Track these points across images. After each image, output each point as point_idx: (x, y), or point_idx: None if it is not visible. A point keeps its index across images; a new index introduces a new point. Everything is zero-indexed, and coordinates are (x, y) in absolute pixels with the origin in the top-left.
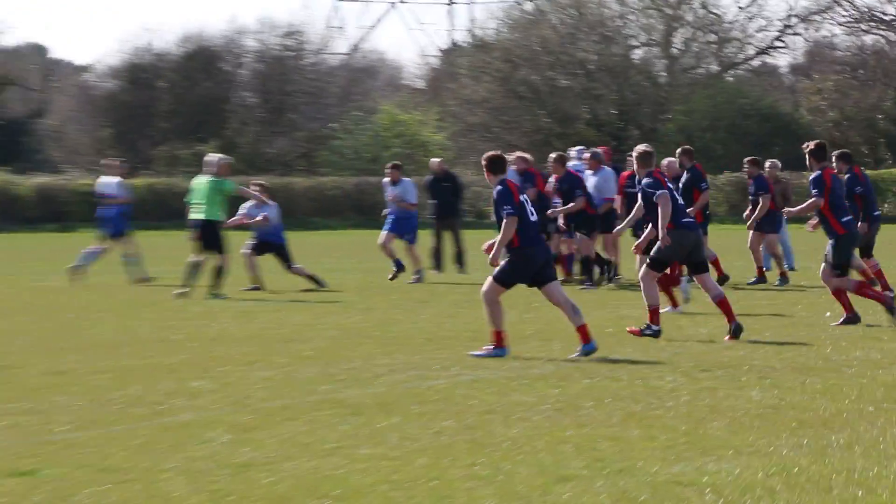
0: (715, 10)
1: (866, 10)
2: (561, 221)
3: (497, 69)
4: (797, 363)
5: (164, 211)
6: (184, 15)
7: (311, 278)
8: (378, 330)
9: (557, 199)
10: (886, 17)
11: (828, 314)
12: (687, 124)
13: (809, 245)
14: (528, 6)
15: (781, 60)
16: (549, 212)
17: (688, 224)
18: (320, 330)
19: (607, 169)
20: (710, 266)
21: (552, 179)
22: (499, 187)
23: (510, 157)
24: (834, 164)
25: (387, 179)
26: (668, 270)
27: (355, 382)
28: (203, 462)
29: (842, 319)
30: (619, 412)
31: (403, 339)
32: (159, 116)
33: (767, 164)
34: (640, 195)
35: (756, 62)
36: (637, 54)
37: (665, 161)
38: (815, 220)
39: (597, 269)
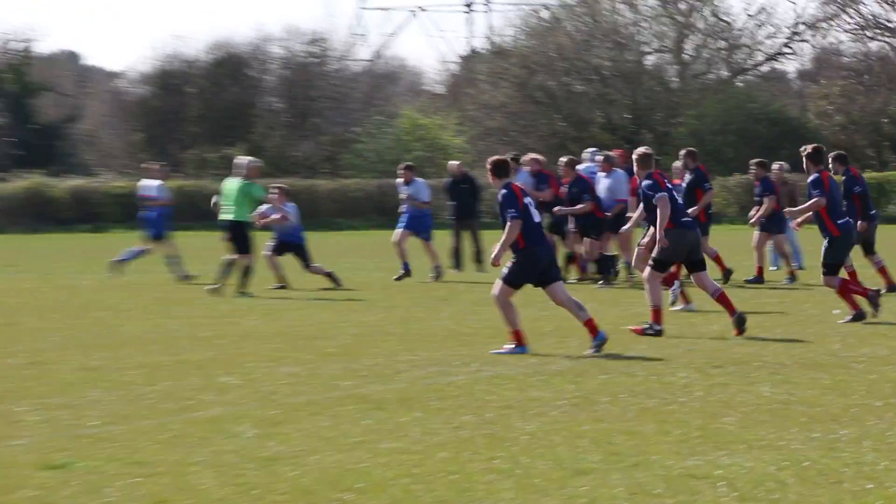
0: (725, 18)
1: (871, 17)
2: (572, 225)
3: (514, 75)
4: (806, 359)
5: (193, 212)
6: (212, 23)
7: (329, 276)
8: (400, 327)
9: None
10: (891, 25)
11: (836, 311)
12: (698, 128)
13: (816, 245)
14: (545, 14)
15: (789, 66)
16: (556, 209)
17: (687, 223)
18: (344, 327)
19: (619, 171)
20: (710, 263)
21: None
22: (503, 191)
23: (524, 158)
24: (831, 166)
25: (400, 180)
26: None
27: (378, 378)
28: (230, 455)
29: (849, 317)
30: (635, 407)
31: (425, 336)
32: (188, 121)
33: (775, 166)
34: (640, 197)
35: (765, 68)
36: (650, 60)
37: (675, 164)
38: (800, 219)
39: (592, 266)
